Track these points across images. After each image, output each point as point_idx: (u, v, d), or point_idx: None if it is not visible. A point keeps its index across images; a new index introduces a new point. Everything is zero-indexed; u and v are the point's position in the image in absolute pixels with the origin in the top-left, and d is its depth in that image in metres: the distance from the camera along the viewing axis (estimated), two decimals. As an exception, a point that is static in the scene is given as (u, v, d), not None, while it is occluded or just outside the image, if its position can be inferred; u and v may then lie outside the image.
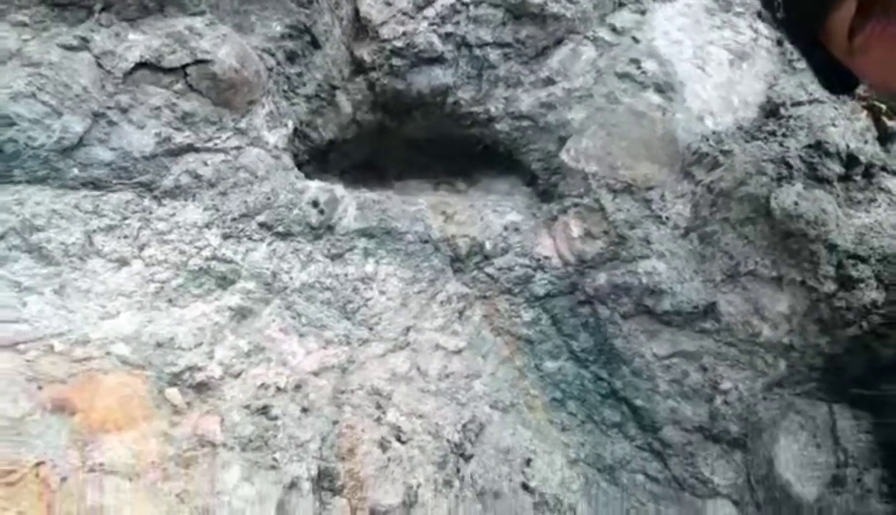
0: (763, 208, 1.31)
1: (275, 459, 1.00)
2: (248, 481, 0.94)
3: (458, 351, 1.40)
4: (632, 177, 1.42)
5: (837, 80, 0.79)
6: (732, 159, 1.36)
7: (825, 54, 0.72)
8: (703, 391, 1.30)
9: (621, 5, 1.62)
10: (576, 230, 1.45)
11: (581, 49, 1.58)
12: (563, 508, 1.26)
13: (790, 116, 1.40)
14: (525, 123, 1.58)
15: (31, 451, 0.83)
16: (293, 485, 0.98)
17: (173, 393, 1.00)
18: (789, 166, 1.33)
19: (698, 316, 1.33)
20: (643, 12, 1.62)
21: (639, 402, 1.37)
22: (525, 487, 1.25)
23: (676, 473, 1.31)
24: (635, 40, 1.57)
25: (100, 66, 1.12)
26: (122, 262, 1.11)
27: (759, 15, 1.60)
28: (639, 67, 1.53)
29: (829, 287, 1.24)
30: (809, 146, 1.34)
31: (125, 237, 1.12)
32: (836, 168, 1.33)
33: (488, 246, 1.50)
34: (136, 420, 0.94)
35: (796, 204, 1.27)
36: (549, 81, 1.56)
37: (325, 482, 1.03)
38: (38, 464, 0.82)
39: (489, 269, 1.50)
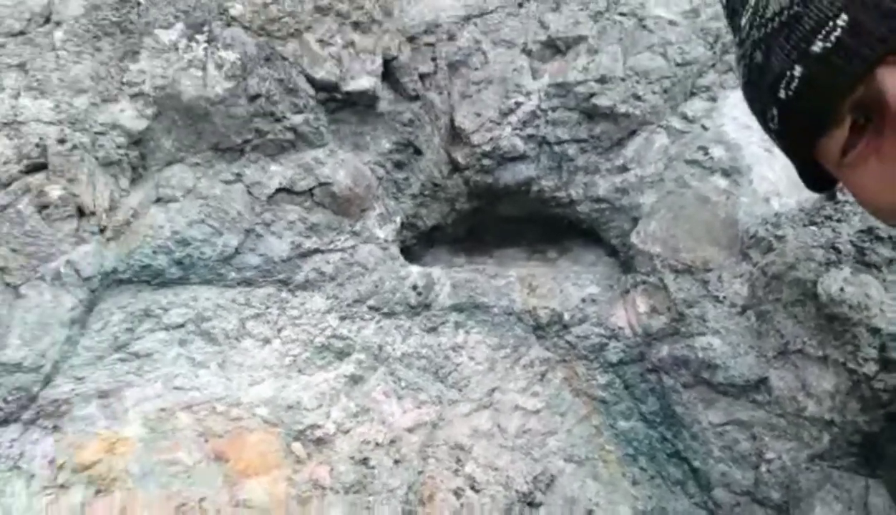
0: (811, 292, 1.41)
1: (369, 501, 1.30)
2: (346, 518, 1.26)
3: (537, 411, 1.63)
4: (692, 259, 1.58)
5: (819, 181, 0.78)
6: (785, 244, 1.48)
7: (814, 164, 0.73)
8: (751, 458, 1.43)
9: (692, 94, 1.78)
10: (642, 306, 1.63)
11: (654, 138, 1.76)
12: (619, 555, 1.46)
13: (847, 201, 1.49)
14: (603, 205, 1.79)
15: (198, 490, 1.19)
16: (381, 526, 1.28)
17: (297, 447, 1.33)
18: (839, 251, 1.43)
19: (751, 388, 1.46)
20: (714, 99, 1.76)
21: (697, 464, 1.52)
22: (584, 534, 1.46)
23: (727, 531, 1.46)
24: (704, 128, 1.72)
25: (250, 193, 1.49)
26: (266, 341, 1.47)
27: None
28: (706, 153, 1.68)
29: (871, 368, 1.33)
30: (861, 231, 1.43)
31: (268, 322, 1.48)
32: (886, 252, 1.41)
33: (567, 316, 1.71)
34: (270, 467, 1.28)
35: (842, 289, 1.37)
36: (624, 168, 1.76)
37: (407, 522, 1.32)
38: (201, 499, 1.17)
39: (568, 337, 1.72)
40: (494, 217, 1.95)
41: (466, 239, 2.04)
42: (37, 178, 1.37)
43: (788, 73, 0.65)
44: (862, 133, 0.62)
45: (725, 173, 1.66)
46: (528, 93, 1.71)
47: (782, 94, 0.67)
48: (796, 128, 0.68)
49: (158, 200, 1.47)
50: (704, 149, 1.69)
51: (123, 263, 1.42)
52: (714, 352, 1.50)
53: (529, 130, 1.71)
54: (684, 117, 1.76)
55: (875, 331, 1.33)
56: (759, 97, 0.74)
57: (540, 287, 1.77)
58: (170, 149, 1.48)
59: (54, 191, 1.36)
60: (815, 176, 0.77)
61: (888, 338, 1.33)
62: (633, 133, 1.75)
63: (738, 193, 1.63)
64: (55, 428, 1.29)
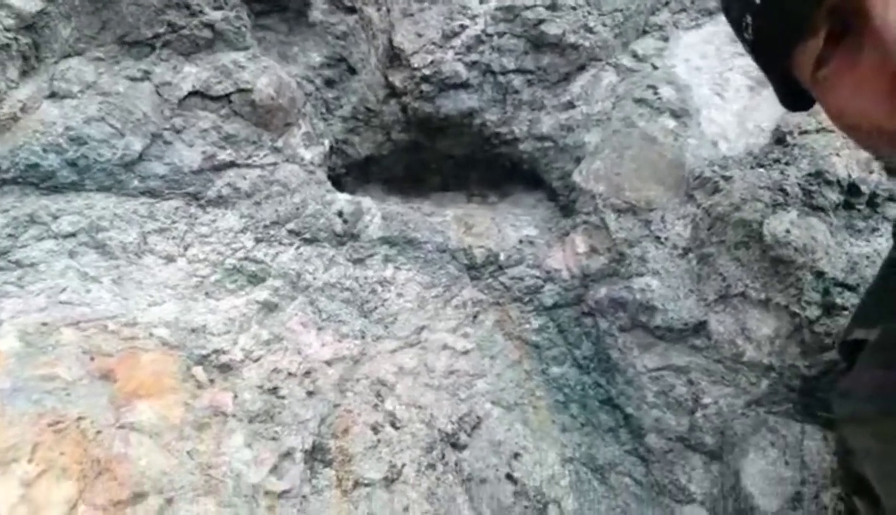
0: (756, 233, 1.36)
1: (276, 432, 1.17)
2: (248, 447, 1.13)
3: (466, 352, 1.54)
4: (635, 198, 1.51)
5: (796, 99, 0.77)
6: (731, 185, 1.42)
7: (789, 77, 0.71)
8: (687, 404, 1.37)
9: (645, 32, 1.71)
10: (581, 246, 1.55)
11: (602, 75, 1.67)
12: (545, 500, 1.37)
13: (795, 144, 1.44)
14: (546, 144, 1.70)
15: (76, 408, 1.04)
16: (288, 454, 1.15)
17: (198, 371, 1.20)
18: (786, 193, 1.37)
19: (689, 332, 1.40)
20: (666, 39, 1.69)
21: (630, 410, 1.45)
22: (509, 477, 1.37)
23: (658, 478, 1.39)
24: (654, 67, 1.65)
25: (158, 94, 1.34)
26: (170, 259, 1.33)
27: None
28: (655, 93, 1.61)
29: (813, 312, 1.28)
30: (809, 174, 1.38)
31: (173, 238, 1.34)
32: (834, 197, 1.36)
33: (502, 256, 1.62)
34: (165, 391, 1.14)
35: (787, 231, 1.32)
36: (570, 105, 1.67)
37: (317, 454, 1.20)
38: (79, 418, 1.03)
39: (503, 278, 1.62)
40: (434, 155, 1.84)
41: (404, 178, 1.92)
42: None
43: None
44: (838, 45, 0.59)
45: (674, 114, 1.59)
46: (473, 17, 1.60)
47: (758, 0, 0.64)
48: (770, 36, 0.66)
49: (52, 95, 1.30)
50: (654, 89, 1.62)
51: (7, 161, 1.24)
52: (653, 294, 1.43)
53: (473, 56, 1.60)
54: (634, 55, 1.68)
55: (819, 275, 1.28)
56: (735, 4, 0.73)
57: (476, 226, 1.67)
58: (68, 39, 1.31)
59: (-76, 69, 1.18)
60: (792, 92, 0.75)
61: (832, 283, 1.28)
62: (581, 68, 1.66)
63: (686, 135, 1.57)
64: (-88, 338, 1.12)
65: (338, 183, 1.69)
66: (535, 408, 1.58)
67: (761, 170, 1.44)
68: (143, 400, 1.11)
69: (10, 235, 1.24)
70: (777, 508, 1.18)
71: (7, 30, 1.26)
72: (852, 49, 0.59)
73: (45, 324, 1.18)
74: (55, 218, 1.27)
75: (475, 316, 1.61)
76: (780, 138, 1.49)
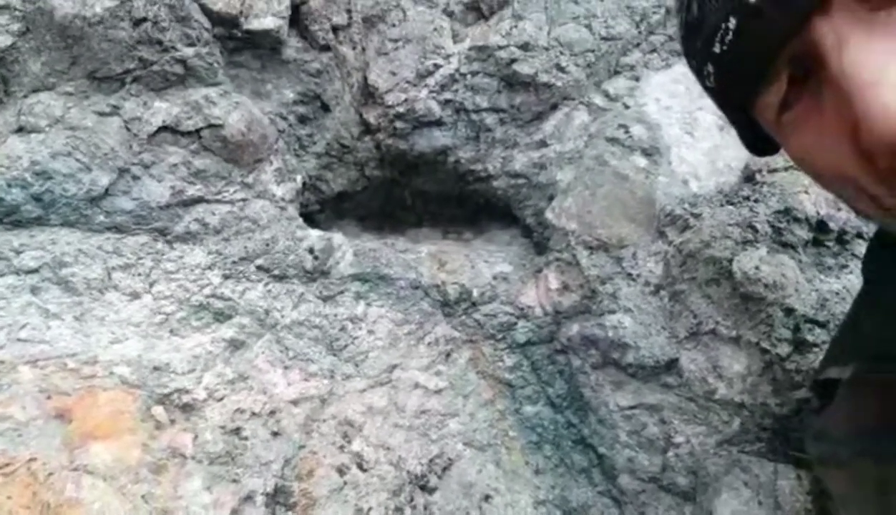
0: (726, 270, 1.36)
1: (237, 474, 1.14)
2: (208, 490, 1.09)
3: (439, 391, 1.52)
4: (608, 235, 1.51)
5: (761, 144, 0.78)
6: (701, 222, 1.42)
7: (753, 123, 0.71)
8: (659, 443, 1.35)
9: (617, 72, 1.73)
10: (554, 283, 1.54)
11: (574, 114, 1.69)
12: (515, 545, 1.34)
13: (764, 182, 1.45)
14: (520, 181, 1.70)
15: (28, 449, 1.01)
16: (249, 497, 1.12)
17: (159, 411, 1.17)
18: (755, 231, 1.38)
19: (661, 370, 1.39)
20: (637, 78, 1.71)
21: (602, 450, 1.43)
22: (479, 521, 1.34)
23: (630, 521, 1.37)
24: (626, 106, 1.67)
25: (128, 129, 1.33)
26: (135, 296, 1.31)
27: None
28: (627, 132, 1.62)
29: (784, 349, 1.27)
30: (778, 212, 1.39)
31: (139, 274, 1.32)
32: (803, 234, 1.37)
33: (476, 293, 1.61)
34: (122, 431, 1.11)
35: (757, 268, 1.32)
36: (543, 143, 1.68)
37: (280, 497, 1.17)
38: (30, 460, 1.00)
39: (476, 315, 1.61)
40: (410, 191, 1.84)
41: (378, 215, 1.92)
42: None
43: (723, 25, 0.61)
44: (801, 90, 0.59)
45: (645, 152, 1.60)
46: (447, 56, 1.61)
47: (717, 48, 0.64)
48: (732, 83, 0.66)
49: (20, 129, 1.29)
50: (625, 128, 1.63)
51: (-30, 196, 1.23)
52: (625, 331, 1.42)
53: (447, 95, 1.61)
54: (606, 95, 1.70)
55: (789, 312, 1.28)
56: (696, 53, 0.71)
57: (450, 262, 1.66)
58: (38, 74, 1.31)
59: None
60: (756, 137, 0.76)
61: (802, 319, 1.28)
62: (553, 107, 1.68)
63: (657, 173, 1.58)
64: None
65: (311, 219, 1.68)
66: (509, 449, 1.55)
67: (731, 207, 1.45)
68: (98, 442, 1.08)
69: (-30, 270, 1.22)
70: (750, 551, 1.16)
71: (-24, 65, 1.26)
72: (816, 93, 0.59)
73: (1, 362, 1.15)
74: (18, 253, 1.25)
75: (448, 354, 1.59)
76: (749, 176, 1.50)
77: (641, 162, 1.60)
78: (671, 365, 1.39)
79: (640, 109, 1.67)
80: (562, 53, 1.63)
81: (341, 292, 1.52)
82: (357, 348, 1.50)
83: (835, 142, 0.57)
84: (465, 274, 1.64)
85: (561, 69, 1.63)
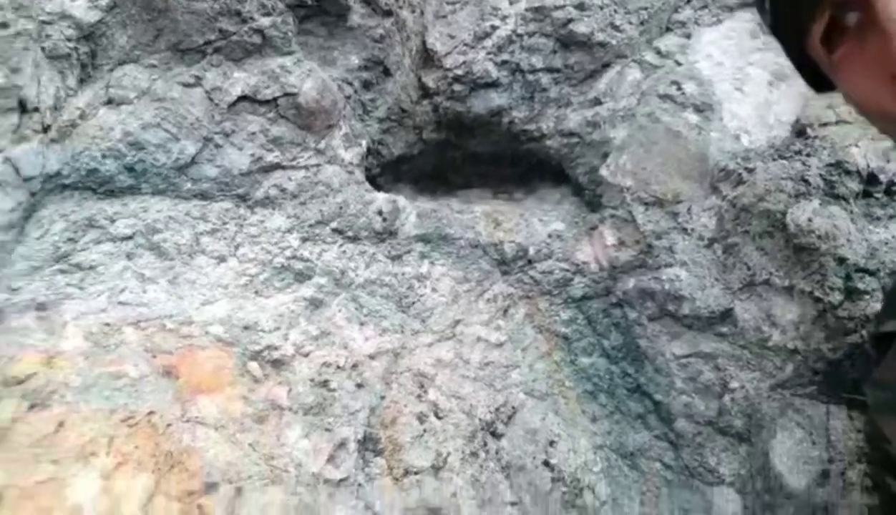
0: (780, 223, 1.42)
1: (329, 423, 1.24)
2: (306, 438, 1.19)
3: (500, 344, 1.60)
4: (662, 191, 1.56)
5: (819, 81, 0.80)
6: (754, 177, 1.47)
7: (810, 61, 0.74)
8: (714, 388, 1.44)
9: (668, 29, 1.75)
10: (610, 239, 1.61)
11: (627, 72, 1.73)
12: (580, 485, 1.44)
13: (816, 136, 1.49)
14: (573, 140, 1.75)
15: (145, 403, 1.11)
16: (342, 444, 1.22)
17: (254, 367, 1.26)
18: (808, 184, 1.43)
19: (716, 320, 1.46)
20: (688, 36, 1.74)
21: (658, 397, 1.52)
22: (546, 464, 1.43)
23: (688, 462, 1.46)
24: (677, 63, 1.70)
25: (210, 99, 1.39)
26: (221, 259, 1.39)
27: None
28: (679, 89, 1.66)
29: (836, 297, 1.34)
30: (830, 165, 1.44)
31: (224, 239, 1.40)
32: (854, 186, 1.41)
33: (532, 250, 1.68)
34: (224, 385, 1.20)
35: (810, 220, 1.38)
36: (596, 102, 1.72)
37: (368, 444, 1.27)
38: (149, 413, 1.09)
39: (532, 272, 1.69)
40: (463, 154, 1.89)
41: (432, 177, 1.98)
42: (-29, 66, 1.24)
43: None
44: (845, 31, 0.63)
45: (697, 109, 1.64)
46: (504, 18, 1.65)
47: None
48: (785, 16, 0.71)
49: (109, 101, 1.35)
50: (677, 85, 1.67)
51: (68, 167, 1.30)
52: (681, 284, 1.49)
53: (504, 56, 1.65)
54: (658, 52, 1.73)
55: (841, 261, 1.34)
56: None
57: (506, 221, 1.73)
58: (124, 47, 1.37)
59: (-8, 81, 1.24)
60: (814, 74, 0.79)
61: (853, 268, 1.34)
62: (606, 66, 1.72)
63: (709, 128, 1.62)
64: (-15, 339, 1.18)
65: (372, 183, 1.74)
66: (566, 399, 1.64)
67: (783, 161, 1.50)
68: (205, 395, 1.17)
69: (69, 239, 1.30)
70: (805, 485, 1.25)
71: (68, 40, 1.32)
72: (860, 34, 0.63)
73: (107, 324, 1.25)
74: (112, 221, 1.33)
75: (506, 310, 1.68)
76: (800, 131, 1.54)
77: (693, 118, 1.64)
78: (725, 315, 1.46)
79: (692, 66, 1.70)
80: (616, 11, 1.66)
81: (407, 252, 1.59)
82: (423, 305, 1.58)
83: (877, 82, 0.62)
84: (520, 233, 1.70)
85: (615, 27, 1.66)
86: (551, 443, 1.47)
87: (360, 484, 1.20)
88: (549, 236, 1.69)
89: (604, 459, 1.54)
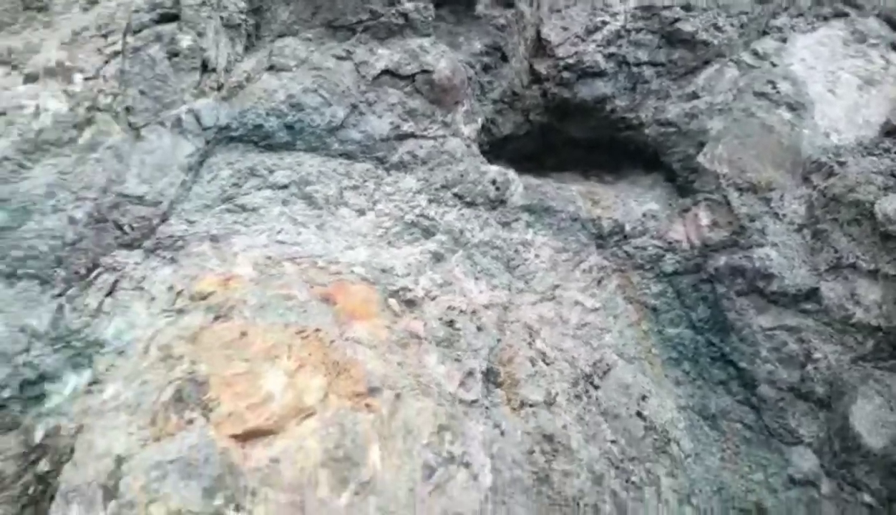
0: (868, 212, 1.54)
1: (458, 355, 1.41)
2: (441, 364, 1.36)
3: (594, 310, 1.76)
4: (757, 179, 1.70)
5: None
6: (846, 169, 1.60)
7: None
8: (798, 358, 1.57)
9: (765, 33, 1.89)
10: (704, 220, 1.75)
11: (725, 70, 1.87)
12: (668, 437, 1.59)
13: (905, 137, 1.62)
14: (670, 129, 1.90)
15: (312, 321, 1.29)
16: (470, 373, 1.39)
17: (392, 303, 1.44)
18: (897, 179, 1.56)
19: (802, 297, 1.59)
20: (784, 40, 1.88)
21: (743, 364, 1.65)
22: (639, 415, 1.58)
23: (768, 423, 1.59)
24: (773, 65, 1.84)
25: (358, 71, 1.58)
26: (361, 212, 1.57)
27: (893, 46, 1.82)
28: (774, 87, 1.80)
29: (919, 282, 1.47)
30: (918, 163, 1.56)
31: (364, 195, 1.58)
32: (942, 183, 1.54)
33: (628, 227, 1.83)
34: (372, 315, 1.38)
35: (897, 211, 1.50)
36: (695, 96, 1.87)
37: (490, 376, 1.43)
38: (316, 330, 1.28)
39: (626, 247, 1.83)
40: (563, 138, 2.05)
41: (531, 158, 2.14)
42: (168, 28, 1.45)
43: None
44: None
45: (790, 107, 1.78)
46: (614, 14, 1.81)
47: None
48: None
49: (271, 68, 1.55)
50: (772, 84, 1.80)
51: (236, 121, 1.50)
52: (770, 263, 1.63)
53: (612, 49, 1.81)
54: (755, 53, 1.87)
55: (926, 250, 1.46)
56: None
57: (603, 200, 1.89)
58: (285, 21, 1.57)
59: (184, 41, 1.45)
60: None
61: (936, 257, 1.46)
62: (706, 63, 1.86)
63: (802, 125, 1.75)
64: (172, 260, 1.38)
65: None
66: (652, 364, 1.79)
67: (872, 157, 1.62)
68: (357, 321, 1.36)
69: (234, 184, 1.50)
70: (882, 445, 1.38)
71: (240, 12, 1.53)
72: None
73: (269, 257, 1.44)
74: (271, 171, 1.53)
75: (600, 281, 1.83)
76: (889, 131, 1.67)
77: (787, 115, 1.78)
78: (811, 294, 1.59)
79: (787, 68, 1.84)
80: (719, 14, 1.81)
81: (515, 219, 1.76)
82: (527, 268, 1.74)
83: None
84: (617, 211, 1.86)
85: (718, 28, 1.81)
86: (643, 398, 1.61)
87: (486, 407, 1.36)
88: (644, 215, 1.84)
89: (687, 418, 1.68)
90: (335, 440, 1.09)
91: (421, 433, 1.18)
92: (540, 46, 1.85)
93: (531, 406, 1.43)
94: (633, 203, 1.88)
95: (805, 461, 1.52)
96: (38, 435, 1.20)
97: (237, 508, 1.01)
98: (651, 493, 1.45)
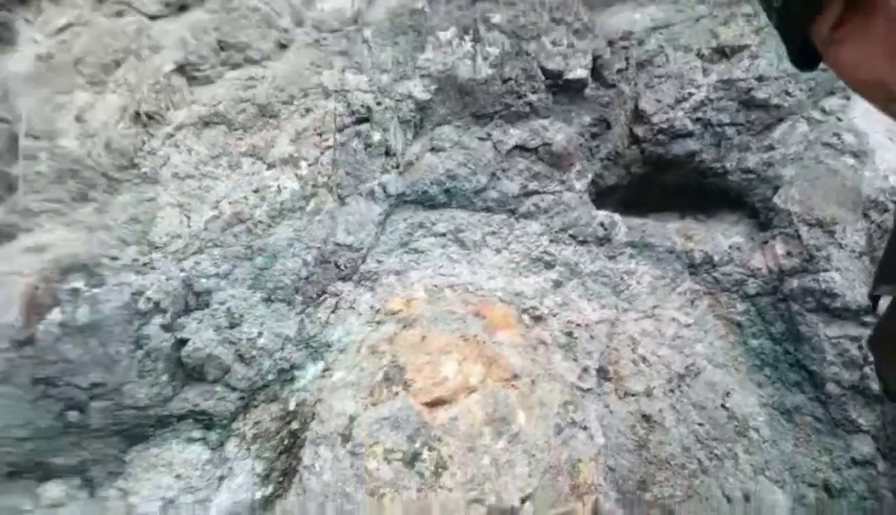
0: (916, 242, 1.88)
1: (575, 356, 1.90)
2: (564, 361, 1.86)
3: (688, 325, 2.18)
4: (823, 215, 2.07)
5: (806, 59, 0.80)
6: (898, 207, 1.95)
7: (806, 42, 0.75)
8: (858, 362, 1.92)
9: (831, 93, 2.26)
10: (780, 250, 2.14)
11: (797, 125, 2.25)
12: (748, 425, 1.98)
13: (953, 178, 1.94)
14: (751, 176, 2.30)
15: (470, 330, 1.83)
16: (586, 369, 1.87)
17: (525, 318, 1.96)
18: (943, 213, 1.89)
19: (862, 312, 1.95)
20: (848, 98, 2.24)
21: (813, 368, 2.02)
22: (723, 407, 1.99)
23: (834, 416, 1.94)
24: (839, 119, 2.21)
25: (495, 148, 2.13)
26: (498, 251, 2.11)
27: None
28: (839, 139, 2.17)
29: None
30: (963, 200, 1.89)
31: (500, 238, 2.12)
32: (982, 216, 1.86)
33: (716, 257, 2.24)
34: (510, 326, 1.91)
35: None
36: (771, 147, 2.26)
37: (601, 373, 1.91)
38: (474, 335, 1.81)
39: (715, 274, 2.25)
40: (659, 186, 2.50)
41: (632, 204, 2.60)
42: (364, 127, 2.07)
43: None
44: (851, 13, 0.67)
45: (854, 154, 2.14)
46: (699, 86, 2.25)
47: None
48: (794, 12, 0.73)
49: (432, 149, 2.14)
50: (838, 135, 2.17)
51: (409, 189, 2.09)
52: (835, 284, 1.99)
53: (698, 114, 2.26)
54: (823, 110, 2.24)
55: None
56: None
57: (695, 235, 2.31)
58: (442, 114, 2.15)
59: (375, 136, 2.06)
60: (805, 54, 0.81)
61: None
62: (780, 120, 2.25)
63: (863, 169, 2.11)
64: (371, 288, 1.98)
65: (592, 204, 2.40)
66: (738, 370, 2.18)
67: (924, 196, 1.96)
68: (500, 330, 1.88)
69: (408, 233, 2.09)
70: (925, 431, 1.71)
71: (411, 111, 2.13)
72: (865, 17, 0.66)
73: (435, 286, 2.00)
74: (433, 224, 2.10)
75: (693, 301, 2.25)
76: (941, 173, 1.99)
77: (850, 161, 2.14)
78: (870, 310, 1.94)
79: (851, 122, 2.20)
80: (789, 82, 2.21)
81: (620, 253, 2.23)
82: (630, 292, 2.20)
83: (879, 59, 0.66)
84: (707, 244, 2.28)
85: (788, 93, 2.20)
86: (727, 394, 2.02)
87: (598, 394, 1.84)
88: (730, 247, 2.25)
89: (766, 413, 2.06)
90: (492, 407, 1.62)
91: (552, 405, 1.68)
92: (637, 115, 2.32)
93: (633, 395, 1.88)
94: (720, 237, 2.29)
95: (864, 445, 1.86)
96: (292, 405, 1.82)
97: (430, 449, 1.56)
98: (730, 464, 1.86)
